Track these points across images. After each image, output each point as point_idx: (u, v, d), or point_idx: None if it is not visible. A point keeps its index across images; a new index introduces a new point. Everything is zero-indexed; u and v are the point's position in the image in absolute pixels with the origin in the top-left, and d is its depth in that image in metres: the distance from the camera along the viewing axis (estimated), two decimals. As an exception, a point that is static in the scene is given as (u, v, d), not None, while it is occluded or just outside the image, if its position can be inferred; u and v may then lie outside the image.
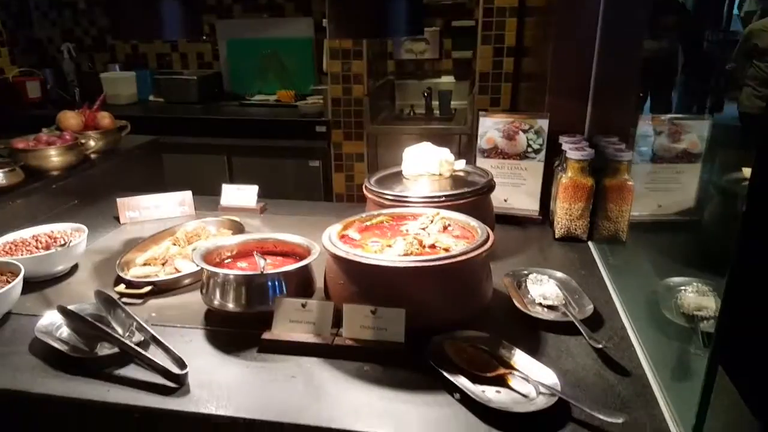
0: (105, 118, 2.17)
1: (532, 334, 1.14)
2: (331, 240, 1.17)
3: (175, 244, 1.55)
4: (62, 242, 1.42)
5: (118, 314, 1.16)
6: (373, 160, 3.54)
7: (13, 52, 4.17)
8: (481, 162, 1.77)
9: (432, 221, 1.27)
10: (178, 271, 1.40)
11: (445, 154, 1.54)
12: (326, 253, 1.17)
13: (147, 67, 4.33)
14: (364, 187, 1.55)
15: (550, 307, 1.22)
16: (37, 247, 1.43)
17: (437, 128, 3.43)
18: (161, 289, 1.34)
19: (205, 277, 1.21)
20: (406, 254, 1.11)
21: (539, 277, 1.32)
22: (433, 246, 1.16)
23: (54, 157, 1.91)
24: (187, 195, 1.87)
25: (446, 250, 1.14)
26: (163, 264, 1.45)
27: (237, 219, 1.71)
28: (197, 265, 1.21)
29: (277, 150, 3.54)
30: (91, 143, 2.06)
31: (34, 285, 1.36)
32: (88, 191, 2.04)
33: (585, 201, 1.57)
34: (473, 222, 1.25)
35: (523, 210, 1.76)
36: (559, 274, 1.32)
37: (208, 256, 1.26)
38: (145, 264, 1.44)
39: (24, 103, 3.92)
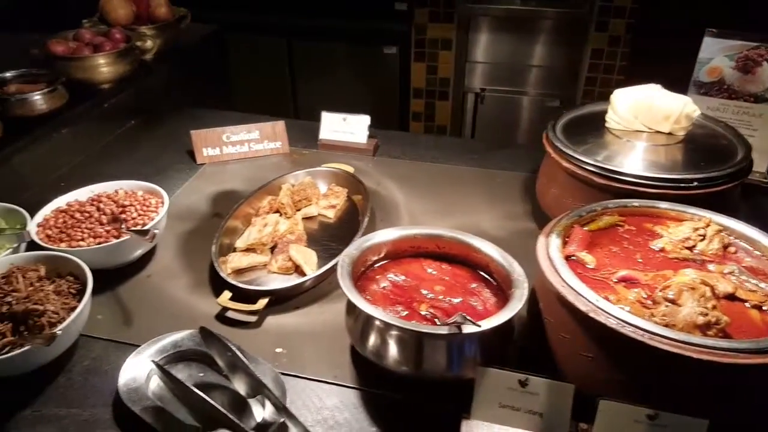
0: (161, 6, 1.65)
1: None
2: (560, 272, 0.74)
3: (280, 213, 1.14)
4: (136, 224, 1.01)
5: (234, 363, 0.79)
6: (462, 49, 2.96)
7: None
8: (695, 100, 1.25)
9: (704, 237, 0.82)
10: (296, 267, 1.01)
11: (686, 104, 1.04)
12: (555, 302, 0.74)
13: None
14: (544, 137, 1.09)
15: None
16: (100, 222, 1.03)
17: (551, 11, 2.76)
18: (279, 299, 0.96)
19: (356, 312, 0.81)
20: (704, 323, 0.68)
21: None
22: (732, 296, 0.73)
23: (104, 67, 1.44)
24: (278, 126, 1.41)
25: (758, 307, 0.71)
26: (271, 249, 1.05)
27: (350, 169, 1.28)
28: (348, 294, 0.79)
29: (345, 32, 2.94)
30: (149, 44, 1.57)
31: (100, 275, 0.96)
32: (146, 106, 1.59)
33: None
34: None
35: (749, 173, 1.27)
36: None
37: (354, 269, 0.85)
38: (248, 249, 1.05)
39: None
